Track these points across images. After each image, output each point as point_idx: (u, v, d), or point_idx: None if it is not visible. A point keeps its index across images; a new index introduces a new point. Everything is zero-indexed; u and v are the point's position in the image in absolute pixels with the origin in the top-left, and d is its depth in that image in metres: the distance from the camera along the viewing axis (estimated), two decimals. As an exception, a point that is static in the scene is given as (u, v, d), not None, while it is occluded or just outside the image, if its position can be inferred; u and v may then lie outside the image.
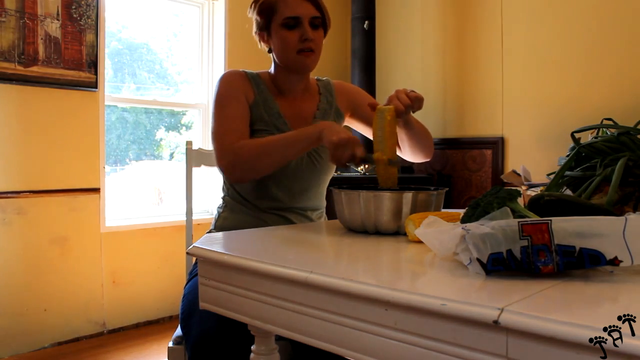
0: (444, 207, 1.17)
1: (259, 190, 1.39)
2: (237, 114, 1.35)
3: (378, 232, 1.05)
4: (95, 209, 2.77)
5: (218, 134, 1.32)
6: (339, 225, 1.18)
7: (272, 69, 1.45)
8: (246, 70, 1.45)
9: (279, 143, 1.25)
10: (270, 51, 1.42)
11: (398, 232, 1.05)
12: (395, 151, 1.18)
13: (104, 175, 2.81)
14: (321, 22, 1.38)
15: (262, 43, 1.43)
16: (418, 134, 1.41)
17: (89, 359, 2.49)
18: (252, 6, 1.41)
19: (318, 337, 0.74)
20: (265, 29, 1.39)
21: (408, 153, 1.46)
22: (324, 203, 1.51)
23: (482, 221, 0.72)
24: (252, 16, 1.41)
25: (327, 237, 1.11)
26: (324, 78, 1.56)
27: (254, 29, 1.43)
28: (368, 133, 1.53)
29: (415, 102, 1.23)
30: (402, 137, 1.41)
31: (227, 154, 1.28)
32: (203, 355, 1.13)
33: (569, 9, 3.01)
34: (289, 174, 1.37)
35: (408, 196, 1.03)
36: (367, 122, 1.52)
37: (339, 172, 3.41)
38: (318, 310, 0.73)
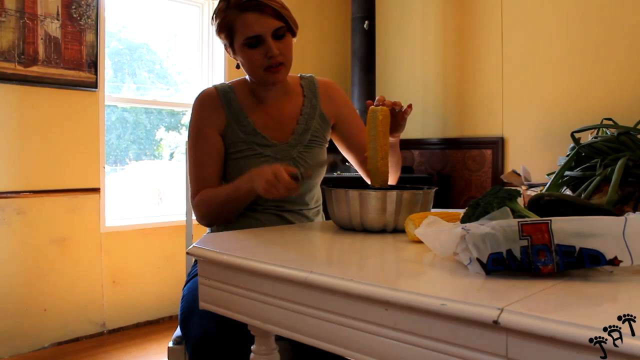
0: (444, 207, 1.18)
1: (256, 198, 1.38)
2: (205, 156, 1.37)
3: (365, 229, 1.08)
4: (95, 209, 2.77)
5: (190, 180, 1.41)
6: (338, 225, 1.18)
7: (248, 77, 1.42)
8: (218, 87, 1.41)
9: (225, 201, 1.31)
10: (238, 67, 1.40)
11: (384, 230, 1.07)
12: (387, 150, 1.17)
13: (104, 175, 2.81)
14: (287, 29, 1.32)
15: (231, 57, 1.40)
16: (395, 164, 1.41)
17: (88, 359, 2.49)
18: (212, 22, 1.36)
19: (318, 337, 0.74)
20: (230, 47, 1.35)
21: None
22: (321, 200, 1.49)
23: (482, 221, 0.72)
24: (214, 30, 1.37)
25: (326, 237, 1.11)
26: (308, 75, 1.50)
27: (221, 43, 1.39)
28: (344, 150, 1.52)
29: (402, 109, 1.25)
30: None
31: (193, 209, 1.39)
32: (204, 356, 1.13)
33: (569, 9, 3.01)
34: None
35: (392, 195, 1.04)
36: (346, 140, 1.49)
37: (338, 173, 3.41)
38: (318, 310, 0.73)
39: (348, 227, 1.11)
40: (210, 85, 1.48)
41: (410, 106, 1.28)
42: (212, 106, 1.39)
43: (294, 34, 1.36)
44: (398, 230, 1.07)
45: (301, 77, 1.49)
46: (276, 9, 1.28)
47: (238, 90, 1.42)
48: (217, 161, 1.37)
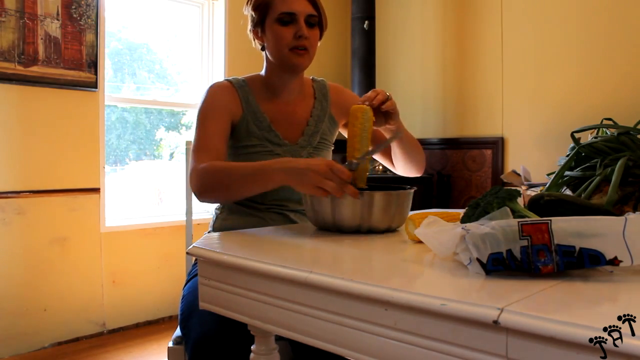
0: (444, 207, 1.17)
1: (258, 197, 1.38)
2: (216, 130, 1.31)
3: (338, 229, 1.08)
4: (95, 209, 2.77)
5: (194, 151, 1.29)
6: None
7: (263, 71, 1.43)
8: (233, 81, 1.41)
9: (242, 180, 1.18)
10: (263, 49, 1.40)
11: (359, 231, 1.07)
12: (366, 150, 1.16)
13: (104, 175, 2.81)
14: (317, 22, 1.36)
15: (256, 40, 1.41)
16: (410, 148, 1.41)
17: (89, 359, 2.49)
18: (248, 2, 1.39)
19: (318, 337, 0.74)
20: (259, 25, 1.37)
21: (401, 167, 1.46)
22: None
23: (482, 221, 0.72)
24: (248, 12, 1.39)
25: (326, 237, 1.11)
26: (320, 79, 1.53)
27: (249, 25, 1.40)
28: None
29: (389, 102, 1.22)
30: (395, 150, 1.41)
31: (194, 177, 1.24)
32: (203, 356, 1.12)
33: (569, 8, 3.01)
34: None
35: (364, 196, 1.04)
36: None
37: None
38: (318, 310, 0.73)
39: (323, 228, 1.11)
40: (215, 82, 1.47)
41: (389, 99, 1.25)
42: (228, 96, 1.38)
43: (321, 32, 1.39)
44: (372, 231, 1.07)
45: (313, 80, 1.51)
46: None
47: (252, 85, 1.42)
48: (225, 140, 1.34)
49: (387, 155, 1.48)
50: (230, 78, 1.43)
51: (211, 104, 1.36)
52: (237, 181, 1.19)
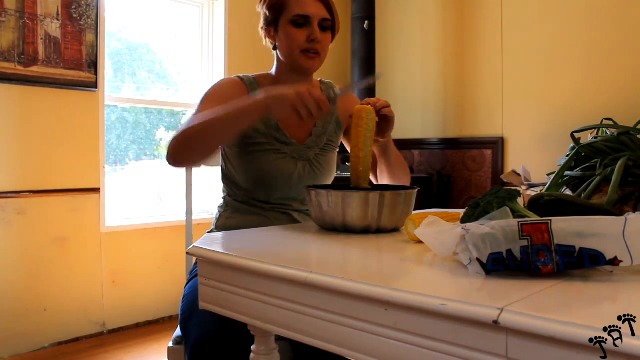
0: (444, 207, 1.17)
1: (263, 196, 1.38)
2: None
3: (347, 230, 1.07)
4: (95, 209, 2.77)
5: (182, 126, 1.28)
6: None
7: (273, 70, 1.43)
8: (243, 78, 1.41)
9: (220, 121, 1.16)
10: (275, 48, 1.40)
11: (367, 231, 1.06)
12: (370, 151, 1.16)
13: (104, 175, 2.82)
14: (330, 26, 1.36)
15: (268, 39, 1.40)
16: (397, 167, 1.40)
17: (89, 359, 2.49)
18: (262, 0, 1.38)
19: (318, 337, 0.74)
20: (273, 24, 1.36)
21: (386, 182, 1.45)
22: None
23: (482, 221, 0.72)
24: (261, 11, 1.39)
25: (327, 237, 1.11)
26: (327, 81, 1.53)
27: (261, 23, 1.40)
28: None
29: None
30: (381, 167, 1.41)
31: (170, 141, 1.22)
32: (203, 356, 1.12)
33: (569, 8, 3.01)
34: (292, 184, 1.37)
35: (375, 196, 1.04)
36: None
37: (339, 172, 3.40)
38: (318, 310, 0.73)
39: (329, 228, 1.10)
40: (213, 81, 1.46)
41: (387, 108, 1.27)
42: (237, 90, 1.37)
43: (333, 36, 1.40)
44: (380, 230, 1.07)
45: (321, 82, 1.51)
46: (329, 2, 1.35)
47: (262, 83, 1.41)
48: None
49: (373, 169, 1.46)
50: (241, 75, 1.43)
51: (215, 92, 1.36)
52: (215, 121, 1.16)
